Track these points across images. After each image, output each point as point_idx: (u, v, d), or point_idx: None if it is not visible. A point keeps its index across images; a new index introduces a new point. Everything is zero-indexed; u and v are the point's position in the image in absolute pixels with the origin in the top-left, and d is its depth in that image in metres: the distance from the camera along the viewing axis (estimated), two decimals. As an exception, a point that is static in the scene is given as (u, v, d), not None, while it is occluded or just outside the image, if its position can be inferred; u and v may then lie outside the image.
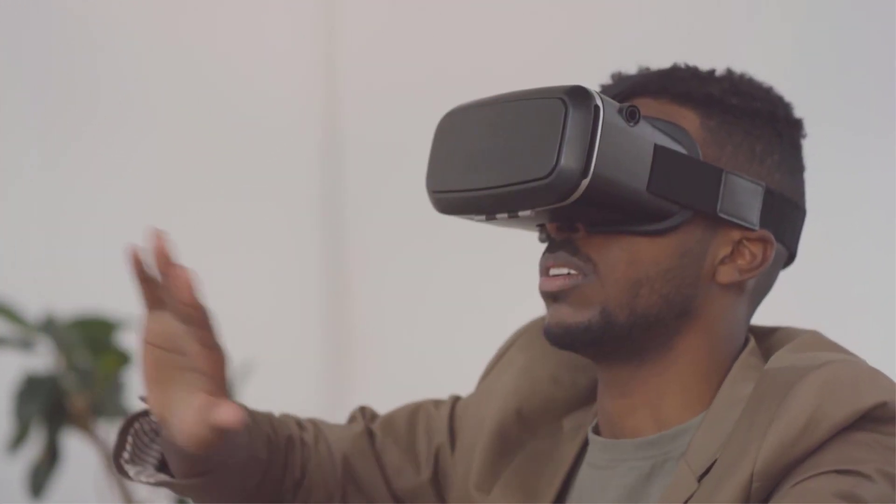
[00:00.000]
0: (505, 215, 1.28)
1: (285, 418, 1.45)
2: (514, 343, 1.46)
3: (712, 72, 1.35)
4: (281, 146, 2.93)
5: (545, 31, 2.71)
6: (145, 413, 1.35)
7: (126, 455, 1.34)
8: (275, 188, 2.92)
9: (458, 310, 2.69)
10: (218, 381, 1.20)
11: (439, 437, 1.45)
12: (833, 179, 2.34)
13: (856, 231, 2.39)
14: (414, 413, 1.47)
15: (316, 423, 1.47)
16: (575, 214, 1.27)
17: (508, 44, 2.74)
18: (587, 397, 1.41)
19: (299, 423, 1.46)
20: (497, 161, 1.26)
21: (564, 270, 1.29)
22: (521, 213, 1.27)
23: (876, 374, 1.22)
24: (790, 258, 1.36)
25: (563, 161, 1.22)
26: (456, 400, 1.48)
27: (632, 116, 1.24)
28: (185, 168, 2.88)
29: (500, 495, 1.37)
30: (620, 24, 2.62)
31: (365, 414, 1.50)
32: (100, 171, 2.83)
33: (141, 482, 1.33)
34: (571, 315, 1.28)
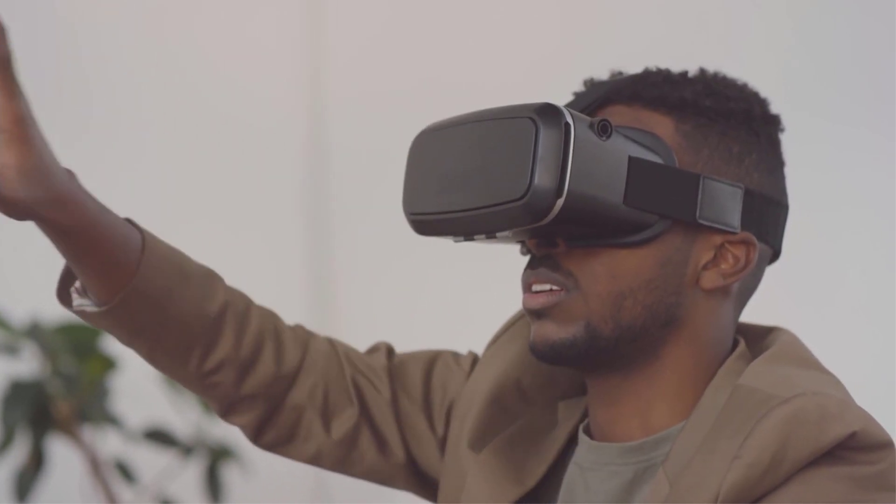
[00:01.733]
0: (483, 236, 1.28)
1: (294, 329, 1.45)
2: (524, 315, 1.44)
3: (685, 73, 1.34)
4: (267, 153, 2.92)
5: (533, 39, 2.71)
6: None
7: (78, 285, 1.33)
8: (261, 195, 2.92)
9: (446, 318, 2.69)
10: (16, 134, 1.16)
11: (452, 393, 1.45)
12: (831, 177, 2.35)
13: (854, 228, 2.40)
14: (431, 364, 1.47)
15: (333, 342, 1.47)
16: (554, 231, 1.27)
17: (496, 51, 2.74)
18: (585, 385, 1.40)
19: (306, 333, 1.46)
20: (471, 183, 1.26)
21: (547, 286, 1.29)
22: (498, 234, 1.27)
23: (844, 406, 1.21)
24: (775, 255, 1.36)
25: (536, 181, 1.21)
26: (476, 360, 1.47)
27: (604, 131, 1.24)
28: (173, 176, 2.88)
29: (489, 458, 1.37)
30: (609, 32, 2.62)
31: (390, 352, 1.48)
32: (82, 178, 2.83)
33: (75, 311, 1.33)
34: (556, 331, 1.28)
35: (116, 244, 1.28)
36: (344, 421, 1.43)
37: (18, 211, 1.20)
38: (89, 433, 2.50)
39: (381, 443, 1.45)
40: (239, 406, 1.41)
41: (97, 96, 2.84)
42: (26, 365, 2.48)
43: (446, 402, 1.45)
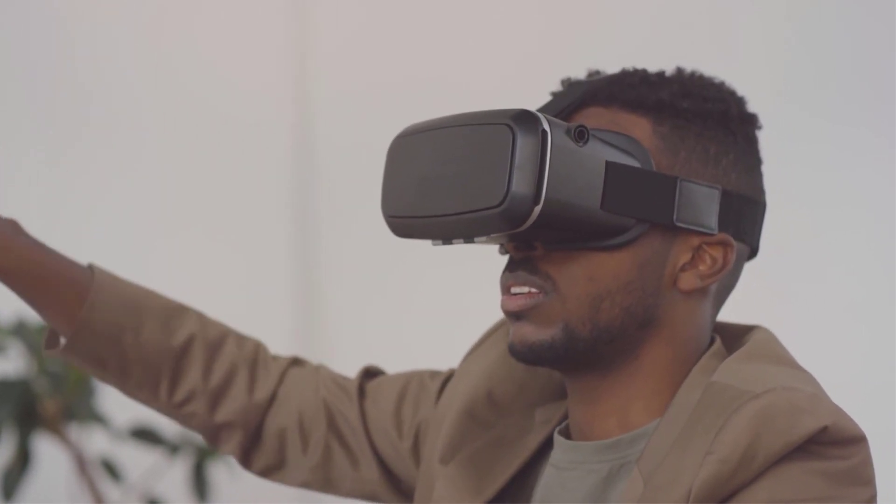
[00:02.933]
0: (461, 240, 1.28)
1: (281, 360, 1.53)
2: (500, 327, 1.46)
3: (662, 74, 1.34)
4: (255, 151, 2.91)
5: (521, 35, 2.70)
6: None
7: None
8: (248, 194, 2.91)
9: (437, 319, 2.67)
10: None
11: (425, 411, 1.47)
12: (831, 177, 2.33)
13: (853, 227, 2.38)
14: (408, 381, 1.50)
15: (318, 370, 1.53)
16: (532, 235, 1.27)
17: (484, 48, 2.73)
18: (562, 390, 1.41)
19: (296, 360, 1.54)
20: (449, 188, 1.26)
21: (525, 289, 1.29)
22: (476, 240, 1.27)
23: (816, 400, 1.20)
24: (753, 252, 1.36)
25: (514, 189, 1.21)
26: (450, 375, 1.49)
27: (580, 137, 1.24)
28: (164, 174, 2.87)
29: (454, 469, 1.38)
30: (603, 31, 2.61)
31: (367, 373, 1.54)
32: (79, 176, 2.83)
33: (54, 353, 1.46)
34: (534, 333, 1.29)
35: (61, 284, 1.41)
36: (317, 442, 1.49)
37: None
38: (76, 432, 2.50)
39: (353, 460, 1.49)
40: (220, 435, 1.50)
41: (94, 96, 2.84)
42: (12, 363, 2.49)
43: (417, 419, 1.47)
